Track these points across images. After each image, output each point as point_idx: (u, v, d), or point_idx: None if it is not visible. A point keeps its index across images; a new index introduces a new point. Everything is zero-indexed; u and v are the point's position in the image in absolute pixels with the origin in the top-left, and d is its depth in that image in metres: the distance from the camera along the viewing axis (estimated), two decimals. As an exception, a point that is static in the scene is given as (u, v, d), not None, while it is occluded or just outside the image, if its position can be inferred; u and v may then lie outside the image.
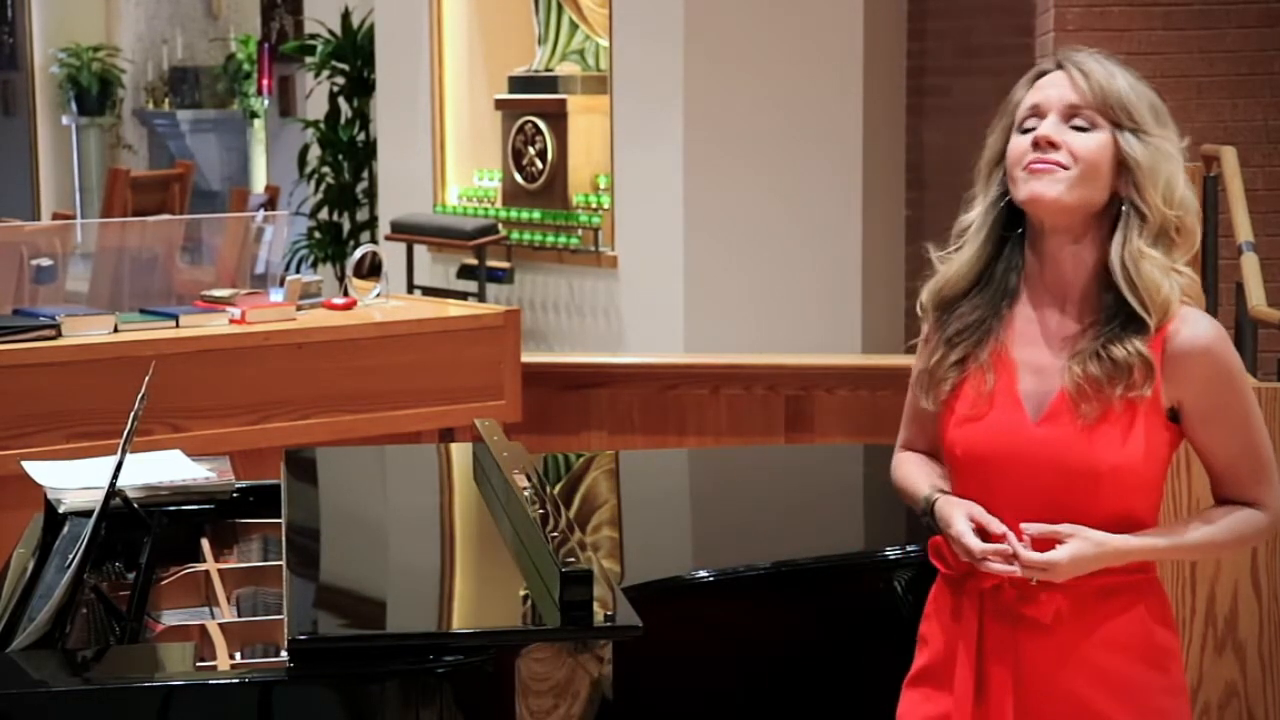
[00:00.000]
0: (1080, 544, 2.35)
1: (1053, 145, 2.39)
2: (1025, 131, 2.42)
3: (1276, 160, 6.33)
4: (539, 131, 8.47)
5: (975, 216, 2.49)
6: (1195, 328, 2.38)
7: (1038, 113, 2.42)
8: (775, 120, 7.89)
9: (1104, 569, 2.38)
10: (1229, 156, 5.30)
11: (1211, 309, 4.93)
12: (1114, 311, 2.39)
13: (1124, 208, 2.39)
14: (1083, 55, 2.45)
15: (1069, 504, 2.38)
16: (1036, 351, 2.44)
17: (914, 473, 2.58)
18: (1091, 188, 2.39)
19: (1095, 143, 2.39)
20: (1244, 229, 5.05)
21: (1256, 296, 4.76)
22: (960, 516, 2.41)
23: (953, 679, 2.45)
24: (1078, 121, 2.40)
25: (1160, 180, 2.40)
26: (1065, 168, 2.38)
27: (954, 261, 2.49)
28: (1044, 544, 2.36)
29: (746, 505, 3.47)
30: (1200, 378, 2.38)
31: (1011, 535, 2.37)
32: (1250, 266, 4.87)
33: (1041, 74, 2.47)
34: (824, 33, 7.97)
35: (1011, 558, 2.36)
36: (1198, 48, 6.30)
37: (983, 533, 2.39)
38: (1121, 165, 2.40)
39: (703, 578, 2.86)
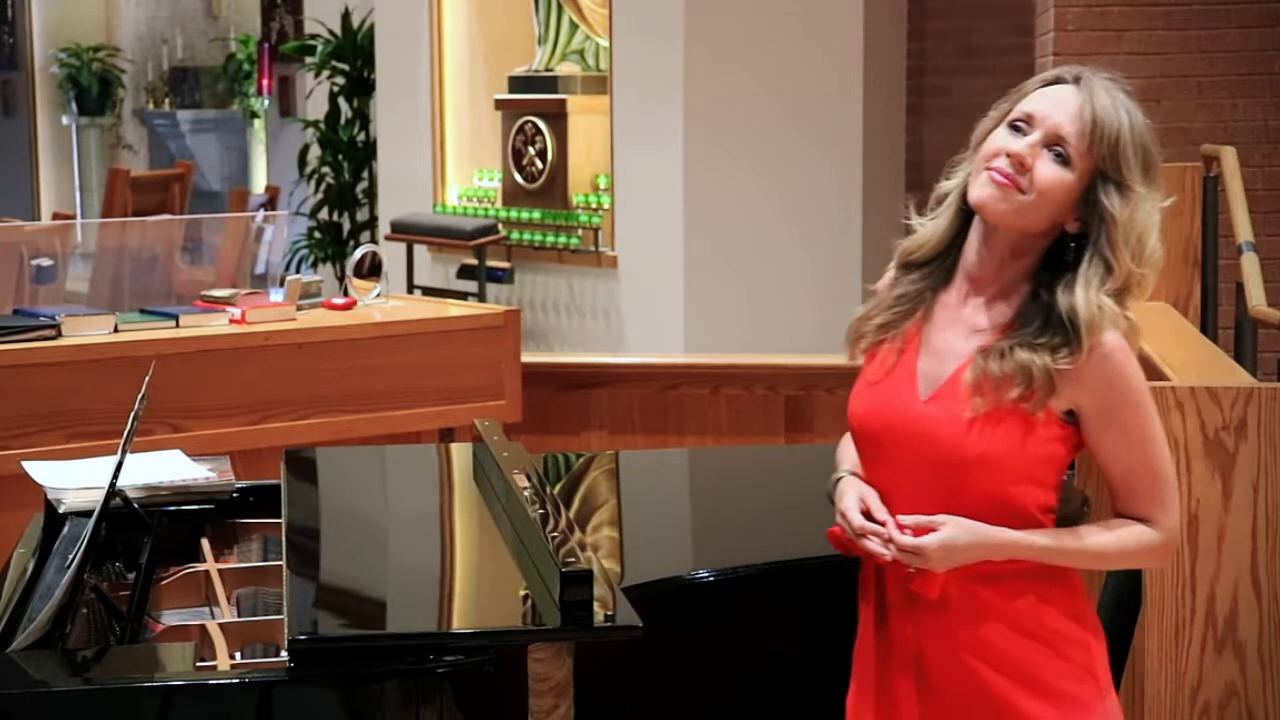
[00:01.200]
0: (952, 531, 2.39)
1: (1022, 166, 2.39)
2: (1013, 129, 2.42)
3: (1276, 160, 6.33)
4: (539, 131, 8.47)
5: (951, 185, 2.51)
6: (1103, 339, 2.38)
7: (1030, 121, 2.42)
8: (775, 120, 7.89)
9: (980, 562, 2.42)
10: (1229, 156, 5.30)
11: (1212, 309, 4.95)
12: (1031, 318, 2.41)
13: (1089, 252, 2.39)
14: (1102, 82, 2.42)
15: (944, 487, 2.42)
16: (946, 334, 2.47)
17: (844, 452, 2.63)
18: (1039, 217, 2.40)
19: (1061, 180, 2.39)
20: (1244, 229, 5.05)
21: (1256, 296, 4.76)
22: (852, 494, 2.49)
23: (858, 662, 2.54)
24: (1059, 150, 2.39)
25: (1134, 237, 2.39)
26: (1022, 191, 2.39)
27: (926, 228, 2.52)
28: (924, 534, 2.41)
29: (746, 505, 3.47)
30: (1097, 384, 2.39)
31: (891, 521, 2.43)
32: (1250, 266, 4.87)
33: (1058, 80, 2.45)
34: (824, 33, 7.97)
35: (888, 541, 2.42)
36: (1198, 48, 6.30)
37: (869, 516, 2.45)
38: (1091, 210, 2.39)
39: (703, 578, 2.86)
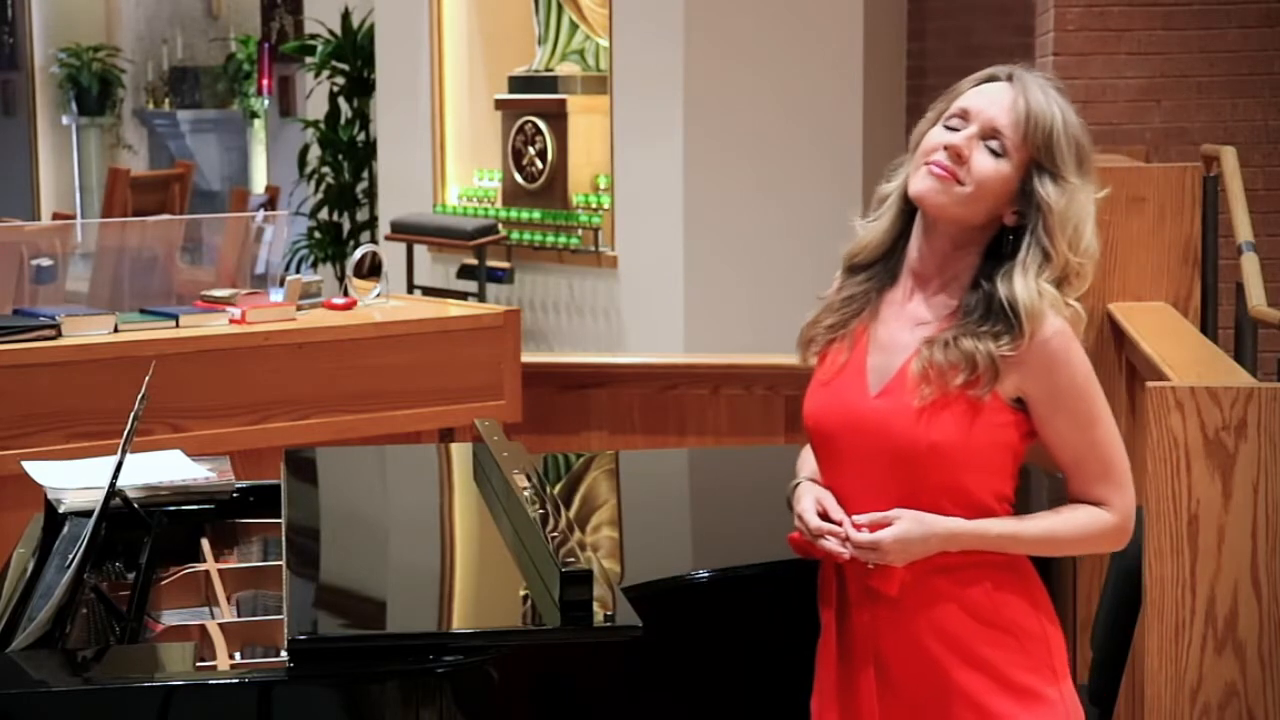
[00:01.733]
0: (906, 525, 2.43)
1: (959, 157, 2.44)
2: (948, 128, 2.48)
3: (1276, 160, 6.33)
4: (539, 131, 8.47)
5: (892, 186, 2.57)
6: (1046, 325, 2.44)
7: (965, 117, 2.48)
8: (775, 120, 7.89)
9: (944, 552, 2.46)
10: (1229, 156, 5.30)
11: (1212, 309, 4.95)
12: (973, 307, 2.46)
13: (1026, 241, 2.45)
14: (1035, 78, 2.50)
15: (900, 480, 2.46)
16: (893, 329, 2.53)
17: (803, 461, 2.69)
18: (978, 208, 2.46)
19: (997, 172, 2.45)
20: (1244, 229, 5.05)
21: (1256, 296, 4.76)
22: (808, 497, 2.54)
23: (824, 663, 2.58)
24: (994, 144, 2.45)
25: (1070, 227, 2.45)
26: (960, 183, 2.45)
27: (869, 230, 2.58)
28: (879, 530, 2.45)
29: (746, 505, 3.47)
30: (1040, 369, 2.44)
31: (847, 520, 2.47)
32: (1250, 266, 4.87)
33: (991, 79, 2.52)
34: (824, 33, 7.97)
35: (845, 540, 2.46)
36: (1198, 48, 6.30)
37: (826, 517, 2.50)
38: (1028, 201, 2.45)
39: (703, 578, 2.86)
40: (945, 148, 2.45)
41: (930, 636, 2.48)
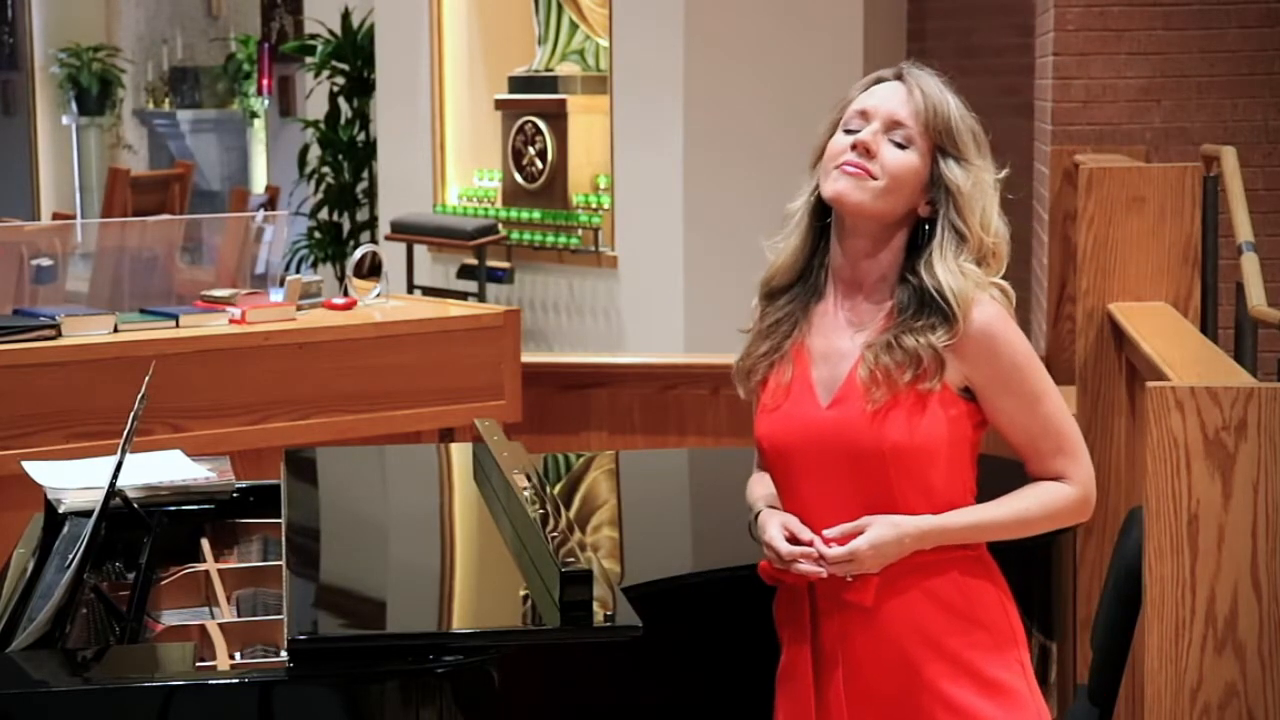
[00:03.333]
0: (877, 529, 2.45)
1: (868, 152, 2.48)
2: (849, 132, 2.52)
3: (1276, 160, 6.33)
4: (539, 131, 8.47)
5: (798, 206, 2.60)
6: (980, 311, 2.47)
7: (864, 117, 2.51)
8: (775, 120, 7.88)
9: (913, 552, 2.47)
10: (1229, 156, 5.30)
11: (1212, 309, 4.95)
12: (906, 304, 2.49)
13: (939, 225, 2.49)
14: (923, 73, 2.54)
15: (866, 486, 2.48)
16: (830, 339, 2.55)
17: (754, 490, 2.69)
18: (894, 201, 2.49)
19: (906, 162, 2.49)
20: (1244, 229, 5.04)
21: (1256, 296, 4.76)
22: (774, 525, 2.53)
23: (797, 679, 2.57)
24: (897, 136, 2.50)
25: (978, 208, 2.50)
26: (874, 177, 2.48)
27: (781, 253, 2.61)
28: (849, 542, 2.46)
29: (746, 505, 3.46)
30: (982, 354, 2.47)
31: (818, 540, 2.48)
32: (1250, 266, 4.86)
33: (879, 80, 2.56)
34: (824, 33, 7.97)
35: (819, 559, 2.47)
36: (1198, 48, 6.30)
37: (795, 541, 2.50)
38: (937, 187, 2.49)
39: (703, 578, 2.86)
40: (853, 146, 2.48)
41: (903, 635, 2.49)
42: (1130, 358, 4.30)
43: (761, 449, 2.60)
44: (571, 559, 2.51)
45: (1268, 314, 4.71)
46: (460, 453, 3.65)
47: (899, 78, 2.54)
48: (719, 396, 5.47)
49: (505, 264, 8.49)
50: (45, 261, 6.57)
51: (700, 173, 7.83)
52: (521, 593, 2.68)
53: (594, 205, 8.27)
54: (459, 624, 2.70)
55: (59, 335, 4.62)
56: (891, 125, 2.50)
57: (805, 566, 2.48)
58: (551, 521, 2.71)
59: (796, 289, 2.59)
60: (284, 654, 2.44)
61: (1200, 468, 3.30)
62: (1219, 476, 3.31)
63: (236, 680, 2.46)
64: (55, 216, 13.14)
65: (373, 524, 3.23)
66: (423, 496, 3.50)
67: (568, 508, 3.12)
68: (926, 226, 2.51)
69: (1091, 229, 4.65)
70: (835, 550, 2.45)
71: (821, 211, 2.56)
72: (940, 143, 2.49)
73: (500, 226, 8.47)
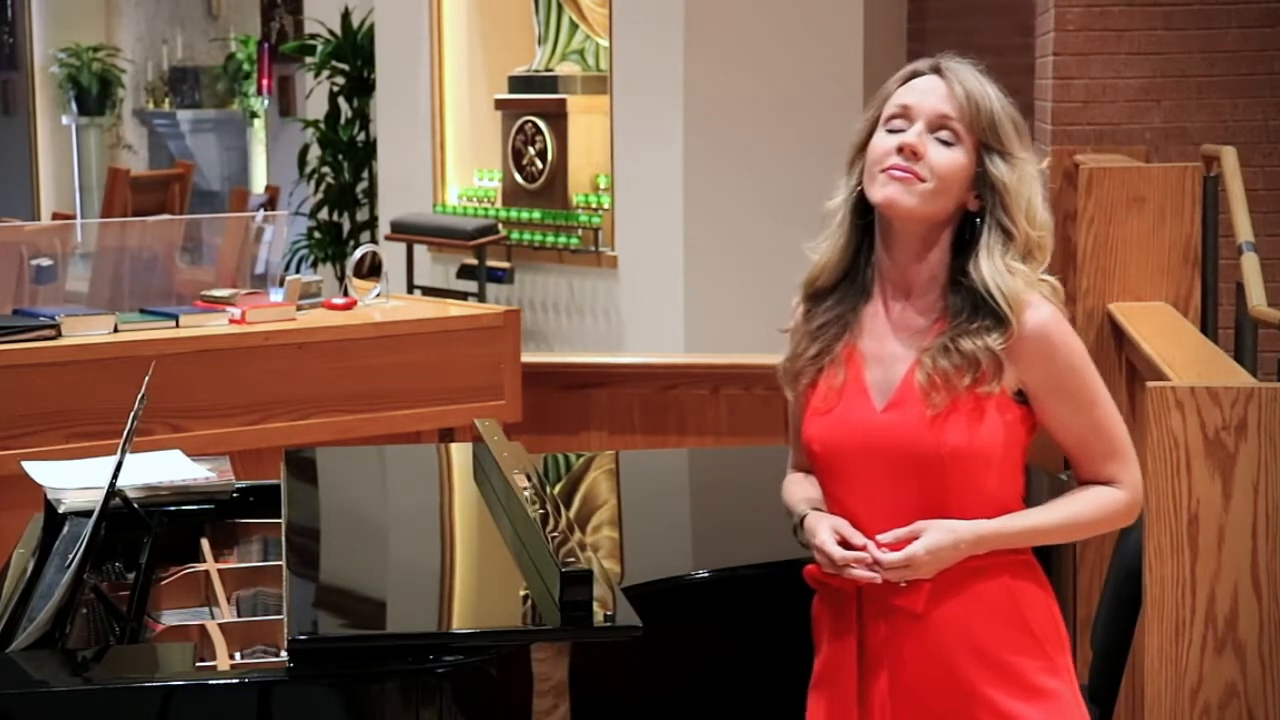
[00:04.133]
0: (934, 534, 2.41)
1: (915, 154, 2.43)
2: (891, 131, 2.47)
3: (1276, 160, 6.33)
4: (539, 131, 8.47)
5: (838, 203, 2.55)
6: (1036, 312, 2.45)
7: (907, 115, 2.47)
8: (775, 120, 7.89)
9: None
10: (1229, 156, 5.30)
11: (1212, 309, 4.95)
12: (960, 307, 2.46)
13: (985, 223, 2.45)
14: (960, 65, 2.49)
15: (920, 490, 2.44)
16: (883, 342, 2.50)
17: (795, 492, 2.64)
18: (943, 201, 2.45)
19: (955, 160, 2.45)
20: (1244, 229, 5.04)
21: (1256, 296, 4.76)
22: (825, 528, 2.48)
23: (840, 683, 2.52)
24: (943, 134, 2.45)
25: (1024, 202, 2.46)
26: (922, 179, 2.43)
27: (824, 252, 2.55)
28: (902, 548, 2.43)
29: (746, 505, 3.47)
30: (1039, 356, 2.45)
31: (871, 545, 2.44)
32: (1250, 266, 4.86)
33: (916, 74, 2.50)
34: (824, 32, 7.97)
35: (873, 565, 2.43)
36: (1198, 48, 6.30)
37: (847, 545, 2.46)
38: (983, 184, 2.45)
39: (703, 578, 2.86)
40: (899, 148, 2.43)
41: (952, 640, 2.46)
42: (1130, 358, 4.30)
43: (811, 452, 2.54)
44: (572, 559, 2.51)
45: (1268, 314, 4.70)
46: (460, 453, 3.65)
47: (936, 70, 2.48)
48: (719, 396, 5.47)
49: (505, 264, 8.49)
50: (45, 261, 6.56)
51: (700, 173, 7.82)
52: (521, 593, 2.67)
53: (594, 205, 8.27)
54: (459, 624, 2.70)
55: (59, 335, 4.62)
56: (936, 123, 2.44)
57: (859, 572, 2.43)
58: (551, 521, 2.71)
59: (842, 290, 2.54)
60: (284, 654, 2.44)
61: (1200, 468, 3.30)
62: (1219, 476, 3.31)
63: (236, 680, 2.46)
64: (55, 216, 13.14)
65: (373, 524, 3.23)
66: (423, 496, 3.50)
67: (568, 508, 3.12)
68: (977, 220, 2.47)
69: (1091, 229, 4.65)
70: (891, 555, 2.41)
71: (863, 209, 2.51)
72: (985, 139, 2.44)
73: (500, 226, 8.47)
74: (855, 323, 2.52)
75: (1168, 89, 6.29)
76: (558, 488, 3.45)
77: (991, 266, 2.43)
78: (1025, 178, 2.46)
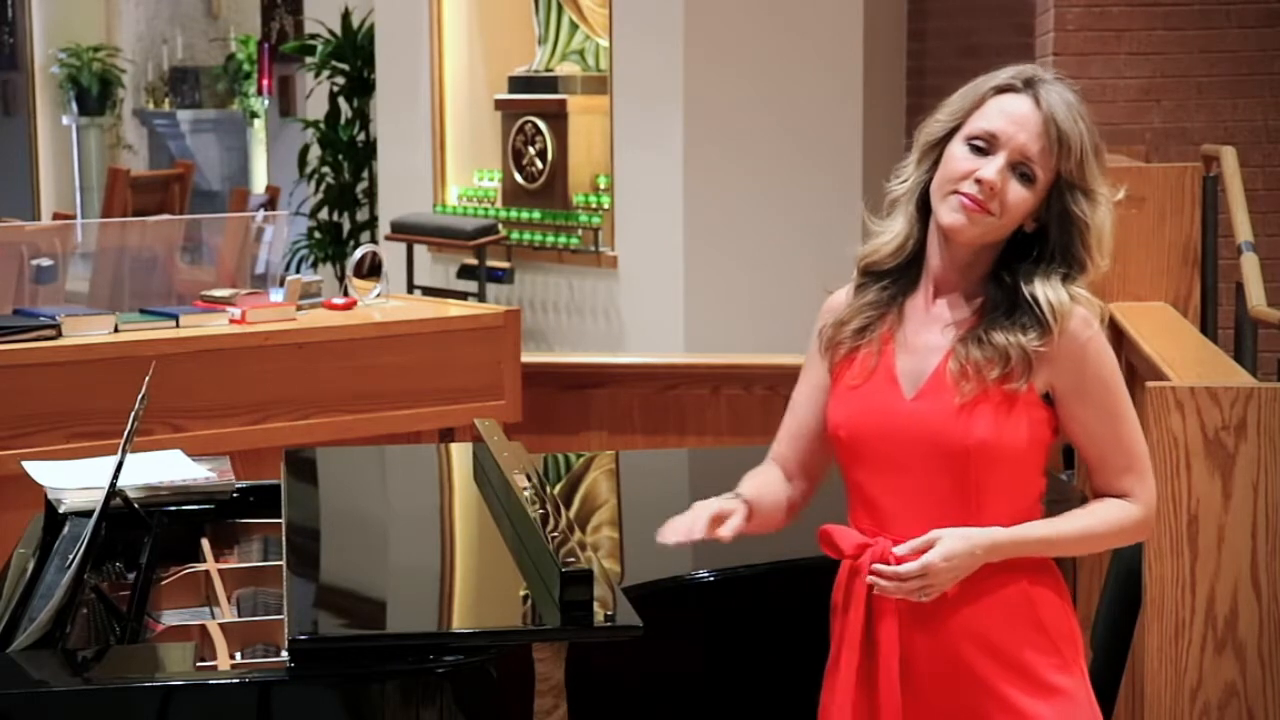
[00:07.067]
0: (949, 542, 2.40)
1: (992, 191, 2.42)
2: (974, 148, 2.45)
3: (1276, 160, 6.33)
4: (539, 131, 8.47)
5: (904, 190, 2.54)
6: (1072, 319, 2.44)
7: (993, 142, 2.44)
8: (775, 120, 7.89)
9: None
10: (1229, 156, 5.30)
11: (1212, 309, 4.95)
12: (999, 302, 2.46)
13: (1053, 249, 2.45)
14: (1055, 89, 2.46)
15: (944, 482, 2.44)
16: (918, 331, 2.51)
17: (748, 479, 2.63)
18: (1005, 229, 2.45)
19: (1028, 199, 2.44)
20: (1244, 229, 5.05)
21: (1256, 296, 4.76)
22: (712, 503, 2.50)
23: (842, 667, 2.52)
24: (1024, 170, 2.43)
25: (1104, 236, 2.46)
26: (992, 214, 2.43)
27: (885, 233, 2.55)
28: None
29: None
30: (1070, 362, 2.44)
31: (884, 567, 2.42)
32: (1250, 266, 4.87)
33: (1009, 89, 2.47)
34: (824, 33, 7.97)
35: (892, 577, 2.41)
36: (1198, 48, 6.30)
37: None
38: (1053, 214, 2.44)
39: (703, 578, 2.86)
40: (978, 181, 2.42)
41: (967, 642, 2.46)
42: (1130, 358, 4.30)
43: (837, 438, 2.54)
44: (572, 559, 2.51)
45: (1268, 314, 4.71)
46: (460, 453, 3.65)
47: (1030, 89, 2.44)
48: (719, 396, 5.47)
49: (505, 264, 8.49)
50: (45, 261, 6.56)
51: (700, 173, 7.83)
52: (521, 593, 2.68)
53: (594, 205, 8.27)
54: (459, 624, 2.70)
55: (59, 335, 4.63)
56: (1020, 159, 2.42)
57: (882, 583, 2.41)
58: (551, 521, 2.71)
59: (894, 275, 2.54)
60: (284, 654, 2.44)
61: (1200, 468, 3.30)
62: (1219, 476, 3.31)
63: (236, 680, 2.46)
64: (55, 216, 13.14)
65: (373, 524, 3.23)
66: (423, 496, 3.50)
67: (568, 508, 3.12)
68: (1032, 234, 2.46)
69: (1091, 229, 4.64)
70: (908, 565, 2.40)
71: (925, 203, 2.50)
72: (1069, 178, 2.43)
73: (500, 226, 8.47)
74: (898, 311, 2.53)
75: (1168, 89, 6.30)
76: (558, 488, 3.45)
77: (1044, 283, 2.43)
78: (1105, 212, 2.45)
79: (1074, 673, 2.51)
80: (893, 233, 2.54)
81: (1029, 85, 2.46)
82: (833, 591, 2.60)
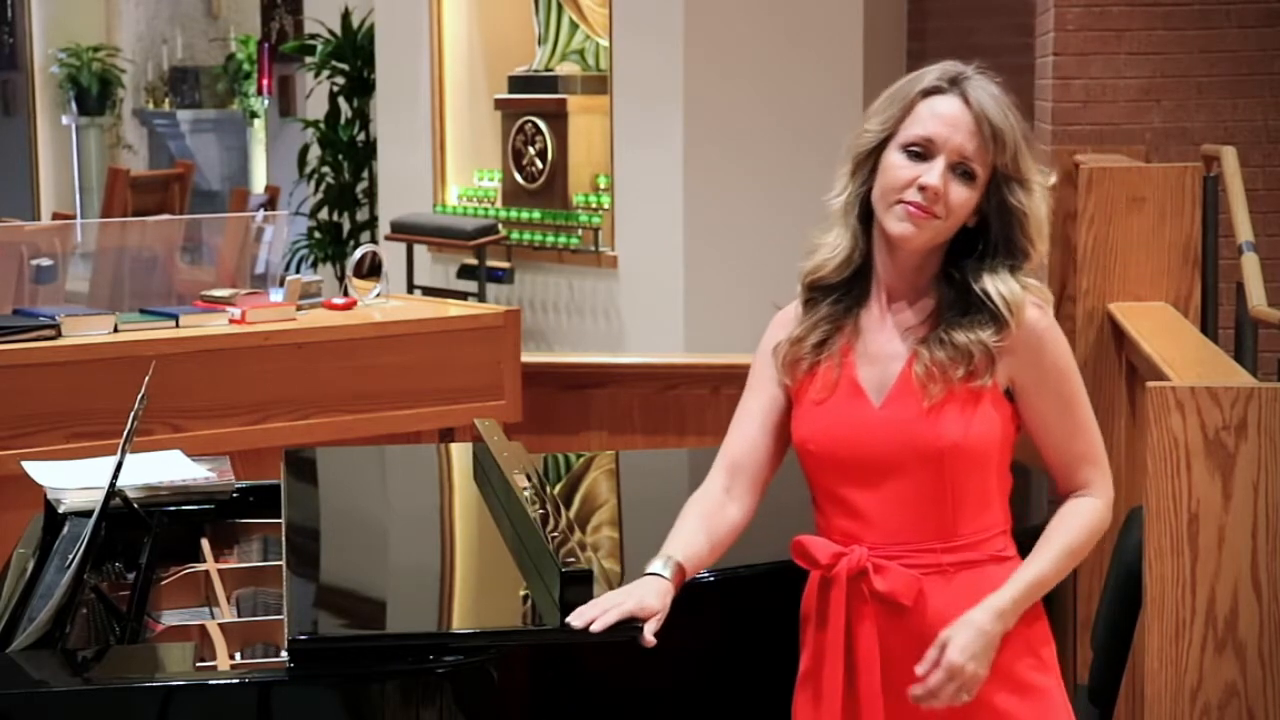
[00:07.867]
0: (959, 638, 2.41)
1: (936, 196, 2.43)
2: (912, 155, 2.45)
3: (1276, 160, 6.33)
4: (539, 131, 8.47)
5: (842, 203, 2.55)
6: (1031, 312, 2.47)
7: (929, 146, 2.45)
8: (775, 120, 7.89)
9: (958, 550, 2.46)
10: (1229, 156, 5.30)
11: (1212, 309, 4.95)
12: (952, 301, 2.48)
13: (994, 241, 2.47)
14: (982, 86, 2.47)
15: (919, 488, 2.45)
16: (877, 340, 2.52)
17: (682, 526, 2.60)
18: (951, 229, 2.47)
19: (971, 197, 2.45)
20: (1244, 229, 5.04)
21: (1256, 296, 4.76)
22: (625, 600, 2.44)
23: (828, 680, 2.51)
24: (963, 169, 2.45)
25: (1042, 223, 2.49)
26: (939, 217, 2.44)
27: (826, 247, 2.56)
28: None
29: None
30: (1029, 354, 2.47)
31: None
32: (1250, 266, 4.86)
33: (937, 91, 2.48)
34: (824, 33, 7.97)
35: (928, 695, 2.40)
36: (1198, 48, 6.30)
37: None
38: (992, 206, 2.46)
39: (703, 578, 2.86)
40: (921, 188, 2.43)
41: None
42: (1130, 358, 4.30)
43: (806, 452, 2.54)
44: (572, 559, 2.51)
45: (1268, 314, 4.70)
46: (460, 453, 3.65)
47: (957, 87, 2.46)
48: (719, 396, 5.47)
49: (505, 264, 8.49)
50: (45, 261, 6.57)
51: (700, 172, 7.83)
52: (521, 593, 2.68)
53: (594, 205, 8.27)
54: (459, 624, 2.70)
55: (59, 335, 4.63)
56: (958, 160, 2.44)
57: (928, 700, 2.41)
58: (551, 521, 2.71)
59: (843, 289, 2.55)
60: (284, 654, 2.44)
61: (1200, 468, 3.30)
62: (1219, 476, 3.31)
63: (236, 680, 2.46)
64: (55, 216, 13.14)
65: (373, 524, 3.23)
66: (423, 496, 3.50)
67: (568, 508, 3.12)
68: (974, 229, 2.49)
69: (1091, 229, 4.65)
70: (934, 679, 2.40)
71: (866, 213, 2.52)
72: (1005, 171, 2.45)
73: (500, 226, 8.47)
74: (853, 323, 2.54)
75: (1168, 89, 6.29)
76: (558, 488, 3.45)
77: (1003, 283, 2.45)
78: (1039, 199, 2.48)
79: (1049, 670, 2.53)
80: (836, 247, 2.55)
81: (955, 84, 2.47)
82: (802, 601, 2.60)
